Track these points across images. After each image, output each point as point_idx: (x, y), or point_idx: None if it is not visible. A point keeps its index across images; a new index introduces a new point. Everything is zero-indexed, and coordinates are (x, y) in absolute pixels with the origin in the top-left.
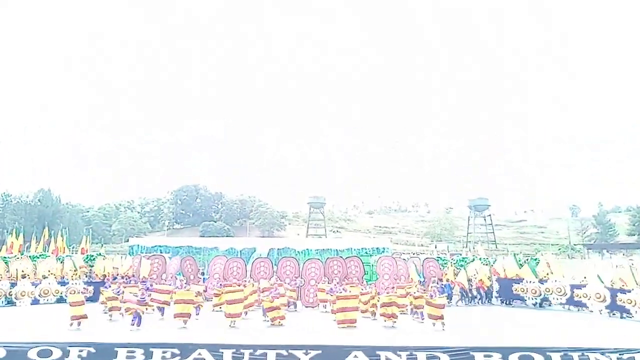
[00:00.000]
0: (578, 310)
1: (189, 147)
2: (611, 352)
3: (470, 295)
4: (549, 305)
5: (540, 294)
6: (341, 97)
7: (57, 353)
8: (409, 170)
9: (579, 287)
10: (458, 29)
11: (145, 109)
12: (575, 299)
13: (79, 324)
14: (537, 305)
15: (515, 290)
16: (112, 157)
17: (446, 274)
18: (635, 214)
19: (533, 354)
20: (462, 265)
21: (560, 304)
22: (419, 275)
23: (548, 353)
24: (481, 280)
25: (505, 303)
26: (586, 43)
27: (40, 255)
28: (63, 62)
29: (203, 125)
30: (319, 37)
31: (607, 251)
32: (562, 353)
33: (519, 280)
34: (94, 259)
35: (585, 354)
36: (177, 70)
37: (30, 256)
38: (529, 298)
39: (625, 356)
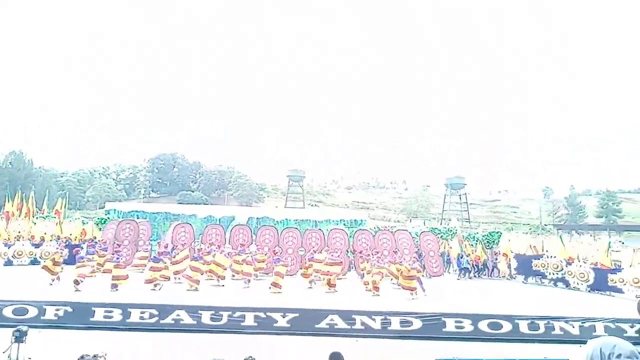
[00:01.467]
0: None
1: (189, 147)
2: (574, 321)
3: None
4: (567, 286)
5: (562, 270)
6: (341, 97)
7: (33, 311)
8: (409, 169)
9: (614, 271)
10: (458, 29)
11: (145, 108)
12: (610, 284)
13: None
14: (555, 282)
15: (535, 266)
16: (112, 157)
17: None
18: (604, 197)
19: (501, 321)
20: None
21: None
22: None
23: (516, 320)
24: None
25: (525, 278)
26: (586, 43)
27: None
28: (63, 61)
29: (203, 125)
30: (319, 37)
31: (576, 232)
32: (529, 321)
33: (539, 257)
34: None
35: (551, 322)
36: (177, 70)
37: None
38: (549, 274)
39: (587, 324)
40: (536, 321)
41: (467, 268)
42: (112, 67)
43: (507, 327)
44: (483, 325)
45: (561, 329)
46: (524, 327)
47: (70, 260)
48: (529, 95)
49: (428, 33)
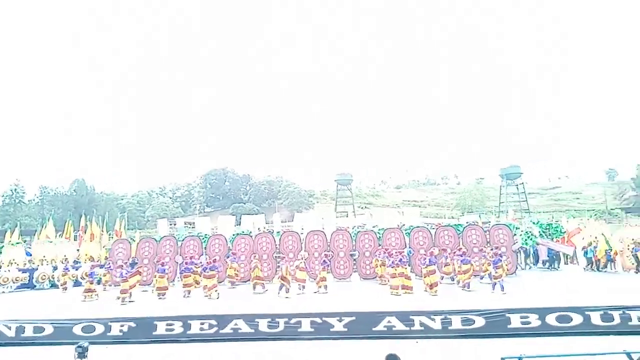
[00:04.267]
0: None
1: (238, 160)
2: None
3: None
4: None
5: None
6: (381, 95)
7: (99, 328)
8: (460, 163)
9: None
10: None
11: (174, 67)
12: None
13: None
14: None
15: None
16: (142, 137)
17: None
18: None
19: (571, 314)
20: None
21: None
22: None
23: (587, 312)
24: None
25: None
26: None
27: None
28: (110, 87)
29: (249, 137)
30: (349, 36)
31: None
32: (602, 312)
33: None
34: None
35: (627, 312)
36: (203, 54)
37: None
38: None
39: None
40: (609, 312)
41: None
42: (134, 56)
43: (577, 319)
44: (551, 319)
45: (639, 318)
46: (596, 318)
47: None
48: (589, 66)
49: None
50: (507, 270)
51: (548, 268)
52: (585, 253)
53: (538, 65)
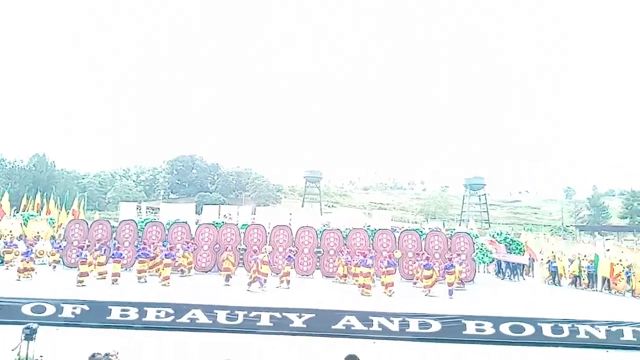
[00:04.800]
0: None
1: (207, 148)
2: (601, 324)
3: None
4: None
5: None
6: (357, 97)
7: (50, 309)
8: (427, 170)
9: None
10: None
11: (163, 110)
12: None
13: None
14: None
15: None
16: (108, 124)
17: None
18: (629, 198)
19: (524, 324)
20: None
21: None
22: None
23: (539, 324)
24: None
25: None
26: (610, 40)
27: (30, 216)
28: (83, 62)
29: (221, 126)
30: (333, 38)
31: (599, 233)
32: (552, 324)
33: None
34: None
35: (575, 325)
36: (193, 72)
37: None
38: None
39: (613, 328)
40: (560, 324)
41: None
42: (128, 69)
43: (529, 330)
44: (505, 328)
45: (586, 332)
46: (547, 330)
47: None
48: (550, 94)
49: (441, 31)
50: (462, 277)
51: (508, 277)
52: (550, 265)
53: (538, 65)
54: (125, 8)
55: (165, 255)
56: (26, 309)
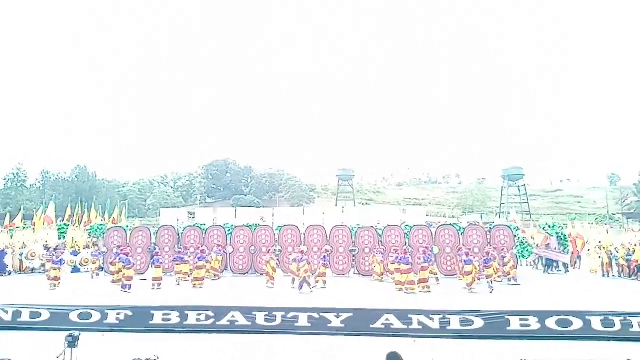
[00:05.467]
0: None
1: (240, 151)
2: None
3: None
4: None
5: None
6: (385, 93)
7: (96, 316)
8: (462, 162)
9: None
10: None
11: (145, 79)
12: None
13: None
14: None
15: None
16: (108, 124)
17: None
18: None
19: (571, 318)
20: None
21: None
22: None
23: (587, 317)
24: None
25: None
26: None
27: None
28: (115, 76)
29: (252, 129)
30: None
31: None
32: (602, 317)
33: None
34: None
35: (628, 318)
36: (218, 77)
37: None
38: None
39: None
40: (610, 317)
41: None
42: (128, 69)
43: (577, 324)
44: (551, 323)
45: None
46: (596, 324)
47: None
48: (550, 94)
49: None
50: (506, 271)
51: (552, 271)
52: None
53: (538, 65)
54: (125, 8)
55: (198, 258)
56: (73, 316)
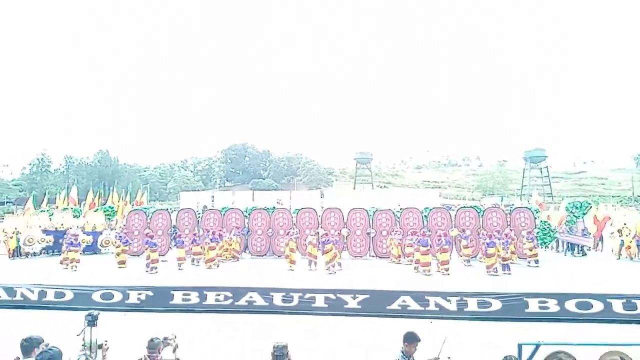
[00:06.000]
0: None
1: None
2: None
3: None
4: None
5: None
6: (403, 74)
7: (117, 296)
8: (483, 144)
9: None
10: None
11: (145, 79)
12: None
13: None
14: None
15: None
16: (108, 124)
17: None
18: None
19: (592, 301)
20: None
21: None
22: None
23: (608, 300)
24: None
25: None
26: None
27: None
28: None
29: (270, 113)
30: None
31: None
32: (624, 300)
33: None
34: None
35: None
36: (236, 61)
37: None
38: None
39: None
40: (633, 300)
41: None
42: (128, 69)
43: (598, 306)
44: (570, 305)
45: None
46: (617, 306)
47: None
48: (550, 94)
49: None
50: (527, 254)
51: (574, 254)
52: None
53: (538, 65)
54: (125, 8)
55: (211, 239)
56: (96, 296)
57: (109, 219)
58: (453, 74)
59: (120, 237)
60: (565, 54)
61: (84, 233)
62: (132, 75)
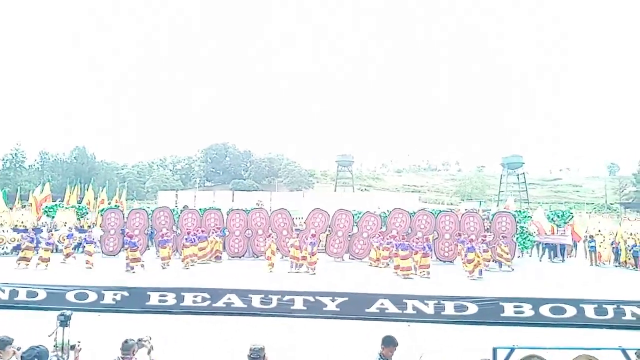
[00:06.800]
0: None
1: (239, 135)
2: None
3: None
4: None
5: None
6: (387, 78)
7: (92, 296)
8: (462, 150)
9: None
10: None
11: (145, 79)
12: None
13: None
14: None
15: None
16: (108, 124)
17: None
18: None
19: (565, 306)
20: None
21: None
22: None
23: (581, 305)
24: None
25: None
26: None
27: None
28: (94, 20)
29: (251, 112)
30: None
31: None
32: (596, 305)
33: None
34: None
35: (621, 306)
36: (222, 60)
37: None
38: None
39: None
40: (604, 305)
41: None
42: (128, 69)
43: (571, 312)
44: (545, 310)
45: (633, 313)
46: (590, 311)
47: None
48: (550, 94)
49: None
50: (500, 258)
51: (554, 260)
52: (588, 244)
53: (538, 65)
54: (125, 8)
55: (186, 239)
56: (70, 296)
57: (80, 218)
58: (453, 74)
59: (127, 241)
60: (565, 54)
61: (77, 230)
62: (132, 75)
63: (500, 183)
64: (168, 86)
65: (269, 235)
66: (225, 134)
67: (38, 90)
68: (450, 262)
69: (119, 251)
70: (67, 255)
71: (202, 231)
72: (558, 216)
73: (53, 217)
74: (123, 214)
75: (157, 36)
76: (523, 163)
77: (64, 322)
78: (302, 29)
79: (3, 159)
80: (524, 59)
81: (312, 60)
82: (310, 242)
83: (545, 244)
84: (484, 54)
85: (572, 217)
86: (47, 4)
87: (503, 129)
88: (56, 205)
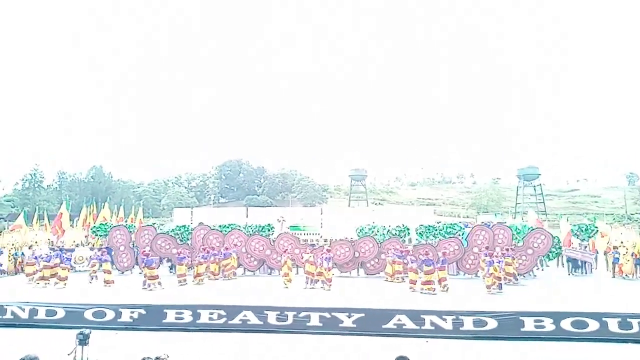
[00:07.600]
0: None
1: (253, 151)
2: None
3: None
4: None
5: None
6: (399, 92)
7: (110, 314)
8: (477, 162)
9: None
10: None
11: (145, 79)
12: None
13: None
14: None
15: None
16: (108, 124)
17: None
18: None
19: (587, 320)
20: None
21: None
22: None
23: (604, 319)
24: None
25: None
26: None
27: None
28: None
29: (264, 129)
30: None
31: None
32: (619, 319)
33: None
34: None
35: None
36: (232, 77)
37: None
38: None
39: None
40: (629, 319)
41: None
42: (128, 69)
43: (593, 326)
44: (566, 324)
45: None
46: (613, 325)
47: None
48: (550, 94)
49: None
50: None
51: (576, 274)
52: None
53: (538, 65)
54: (125, 8)
55: (202, 257)
56: (88, 314)
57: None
58: (453, 74)
59: (144, 259)
60: (565, 54)
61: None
62: (132, 75)
63: (517, 195)
64: (168, 86)
65: (285, 251)
66: (225, 133)
67: (38, 91)
68: (477, 275)
69: (133, 266)
70: (93, 273)
71: (226, 248)
72: (582, 230)
73: (101, 236)
74: (130, 231)
75: (157, 36)
76: (539, 174)
77: (83, 340)
78: (302, 29)
79: (22, 179)
80: (524, 59)
81: (312, 60)
82: (326, 258)
83: (568, 257)
84: (484, 53)
85: (597, 231)
86: (47, 4)
87: (503, 132)
88: (104, 224)
